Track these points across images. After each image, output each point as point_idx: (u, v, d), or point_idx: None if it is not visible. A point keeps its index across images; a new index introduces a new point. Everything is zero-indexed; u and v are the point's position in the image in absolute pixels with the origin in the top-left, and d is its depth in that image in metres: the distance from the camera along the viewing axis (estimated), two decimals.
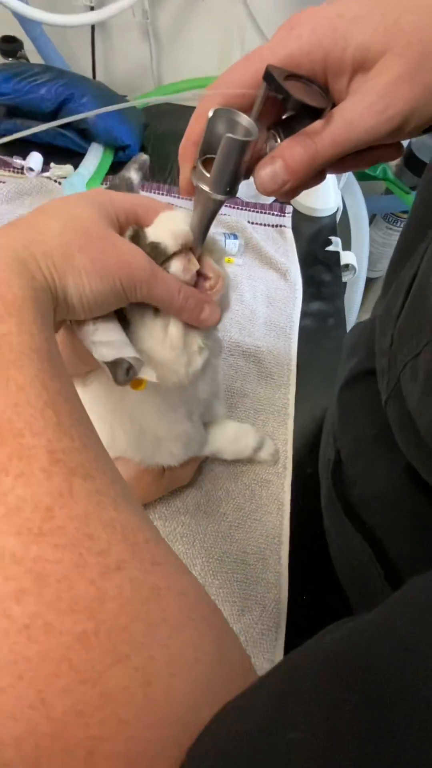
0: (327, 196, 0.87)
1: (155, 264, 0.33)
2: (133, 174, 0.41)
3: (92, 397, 0.42)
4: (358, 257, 0.93)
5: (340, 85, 0.29)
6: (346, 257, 0.84)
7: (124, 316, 0.35)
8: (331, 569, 0.50)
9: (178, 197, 0.84)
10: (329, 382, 0.66)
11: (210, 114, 0.29)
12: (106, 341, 0.33)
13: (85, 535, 0.21)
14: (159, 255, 0.34)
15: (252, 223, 0.83)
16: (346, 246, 0.90)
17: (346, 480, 0.46)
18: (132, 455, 0.47)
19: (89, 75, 1.08)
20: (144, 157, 0.41)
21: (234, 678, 0.21)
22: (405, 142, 0.34)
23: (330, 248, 0.83)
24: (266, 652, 0.48)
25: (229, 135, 0.28)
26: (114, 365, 0.32)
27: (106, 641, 0.19)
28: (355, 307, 1.03)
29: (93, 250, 0.30)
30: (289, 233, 0.83)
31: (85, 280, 0.30)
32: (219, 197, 0.31)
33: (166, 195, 0.84)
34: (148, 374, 0.34)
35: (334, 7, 0.28)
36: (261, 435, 0.57)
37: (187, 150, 0.32)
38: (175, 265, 0.35)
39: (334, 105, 0.29)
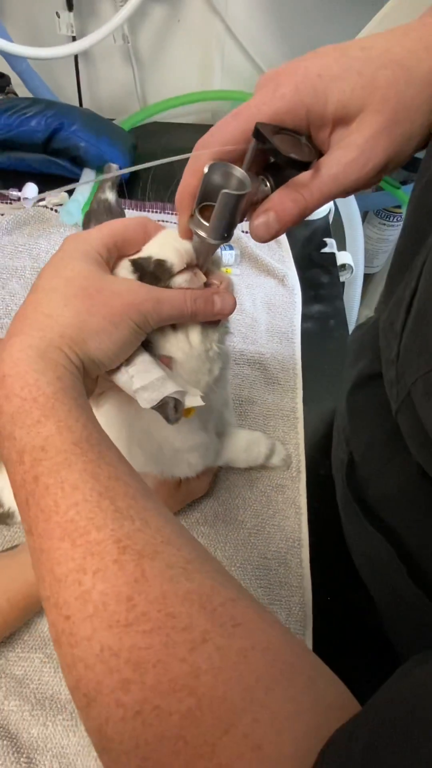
0: None
1: (154, 288, 0.35)
2: (108, 194, 0.42)
3: (106, 418, 0.43)
4: (354, 256, 0.94)
5: (322, 136, 0.32)
6: (342, 257, 0.85)
7: (147, 341, 0.36)
8: (353, 568, 0.50)
9: (171, 213, 0.85)
10: (335, 383, 0.67)
11: (205, 170, 0.31)
12: (146, 385, 0.34)
13: (167, 615, 0.23)
14: (164, 272, 0.35)
15: (246, 232, 0.84)
16: (341, 246, 0.91)
17: (360, 480, 0.47)
18: (150, 469, 0.48)
19: (76, 102, 1.10)
20: (113, 167, 0.42)
21: (334, 713, 0.22)
22: None
23: (325, 250, 0.84)
24: None
25: (226, 191, 0.30)
26: (162, 408, 0.33)
27: (210, 713, 0.21)
28: (355, 306, 1.04)
29: (99, 306, 0.32)
30: (283, 238, 0.84)
31: (104, 337, 0.31)
32: (217, 242, 0.34)
33: (160, 212, 0.85)
34: (194, 402, 0.35)
35: (315, 66, 0.30)
36: (272, 441, 0.58)
37: (184, 201, 0.34)
38: (181, 278, 0.36)
39: (321, 154, 0.32)
